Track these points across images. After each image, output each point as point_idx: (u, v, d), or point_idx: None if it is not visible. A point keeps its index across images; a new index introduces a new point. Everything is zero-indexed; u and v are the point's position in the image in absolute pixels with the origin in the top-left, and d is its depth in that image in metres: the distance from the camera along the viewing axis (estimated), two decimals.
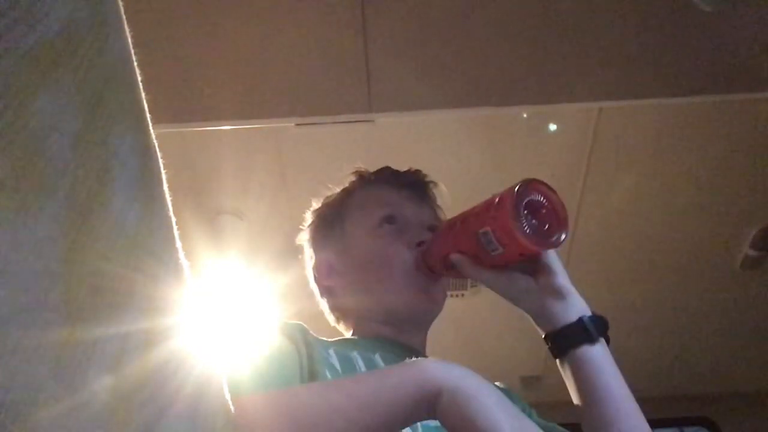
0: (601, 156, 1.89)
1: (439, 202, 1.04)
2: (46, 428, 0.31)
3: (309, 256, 1.04)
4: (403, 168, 1.06)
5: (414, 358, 0.66)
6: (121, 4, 0.38)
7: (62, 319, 0.32)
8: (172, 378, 0.42)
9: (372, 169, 1.08)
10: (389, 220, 0.94)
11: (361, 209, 0.98)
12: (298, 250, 1.11)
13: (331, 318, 1.02)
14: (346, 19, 1.44)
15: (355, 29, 1.45)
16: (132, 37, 0.39)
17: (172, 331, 0.42)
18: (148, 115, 0.39)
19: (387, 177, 1.02)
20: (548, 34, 1.48)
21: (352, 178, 1.05)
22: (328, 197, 1.06)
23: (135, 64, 0.38)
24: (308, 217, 1.07)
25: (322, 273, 0.99)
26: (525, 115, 1.75)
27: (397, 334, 0.91)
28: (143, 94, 0.39)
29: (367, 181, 1.03)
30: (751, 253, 2.14)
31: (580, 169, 1.94)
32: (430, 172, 1.07)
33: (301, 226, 1.08)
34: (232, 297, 2.15)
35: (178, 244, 0.43)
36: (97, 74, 0.34)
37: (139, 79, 0.39)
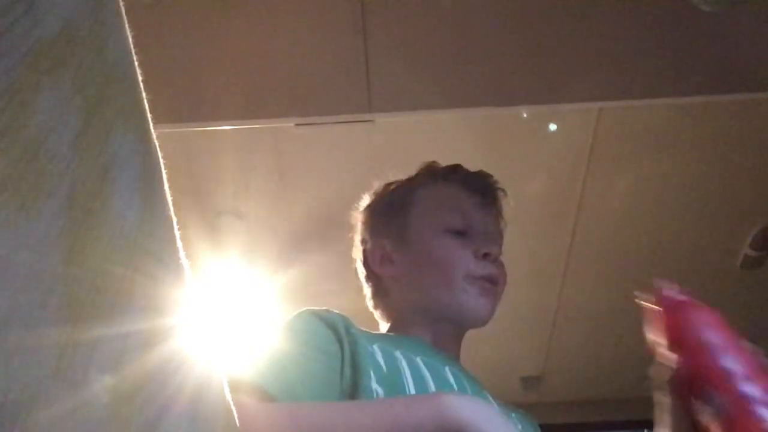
0: (601, 156, 1.89)
1: (503, 210, 1.01)
2: (46, 428, 0.31)
3: (361, 239, 1.01)
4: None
5: (442, 392, 0.65)
6: (121, 4, 0.38)
7: (62, 319, 0.32)
8: (172, 378, 0.42)
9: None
10: (459, 228, 0.92)
11: (431, 207, 0.96)
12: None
13: (370, 303, 1.00)
14: (346, 19, 1.44)
15: (355, 29, 1.45)
16: (132, 37, 0.39)
17: (172, 331, 0.42)
18: (148, 115, 0.39)
19: (460, 178, 0.99)
20: (548, 34, 1.48)
21: (423, 171, 1.02)
22: (390, 184, 1.03)
23: (135, 64, 0.38)
24: (366, 198, 1.03)
25: (374, 260, 0.97)
26: (525, 115, 1.75)
27: (436, 339, 0.90)
28: (144, 94, 0.39)
29: (438, 177, 1.00)
30: (751, 253, 2.14)
31: (580, 169, 1.94)
32: None
33: (354, 207, 1.04)
34: (232, 297, 2.15)
35: (179, 244, 0.43)
36: (97, 74, 0.34)
37: (140, 79, 0.39)
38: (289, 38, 1.47)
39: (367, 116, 1.56)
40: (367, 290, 1.00)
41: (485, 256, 0.90)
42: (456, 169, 1.01)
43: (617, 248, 2.16)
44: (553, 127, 1.82)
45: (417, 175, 1.02)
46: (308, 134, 1.76)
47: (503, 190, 1.01)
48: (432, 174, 1.01)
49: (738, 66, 1.49)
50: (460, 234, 0.92)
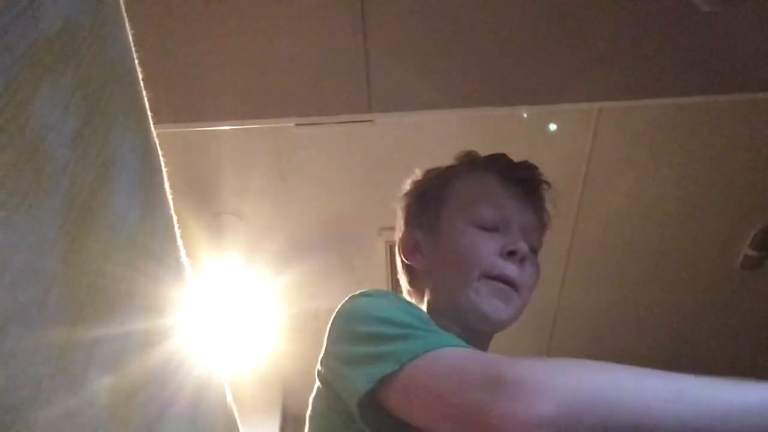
0: (601, 156, 1.89)
1: (547, 203, 0.96)
2: (46, 428, 0.31)
3: (399, 227, 0.98)
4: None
5: None
6: (122, 3, 0.38)
7: (62, 319, 0.32)
8: (172, 378, 0.42)
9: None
10: (491, 222, 0.88)
11: (464, 199, 0.91)
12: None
13: (406, 294, 0.97)
14: (346, 19, 1.44)
15: (355, 29, 1.45)
16: (132, 36, 0.39)
17: (172, 331, 0.42)
18: (148, 114, 0.39)
19: (499, 168, 0.93)
20: (548, 35, 1.48)
21: (462, 159, 0.97)
22: (430, 171, 0.99)
23: (135, 63, 0.38)
24: (406, 185, 1.00)
25: (406, 250, 0.94)
26: (525, 115, 1.75)
27: (467, 338, 0.86)
28: (144, 93, 0.39)
29: (476, 167, 0.95)
30: (751, 253, 2.14)
31: (580, 169, 1.94)
32: None
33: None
34: (232, 297, 2.14)
35: (179, 243, 0.43)
36: (97, 73, 0.33)
37: (140, 77, 0.39)
38: (289, 38, 1.47)
39: (367, 116, 1.55)
40: (403, 280, 0.97)
41: (510, 254, 0.85)
42: (497, 158, 0.96)
43: (617, 248, 2.16)
44: (553, 127, 1.82)
45: (456, 163, 0.97)
46: (308, 134, 1.75)
47: (547, 182, 0.96)
48: (470, 164, 0.96)
49: (738, 66, 1.48)
50: (492, 229, 0.87)
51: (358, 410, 0.65)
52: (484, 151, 0.99)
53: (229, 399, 0.55)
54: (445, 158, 1.03)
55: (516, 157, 0.97)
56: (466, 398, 0.58)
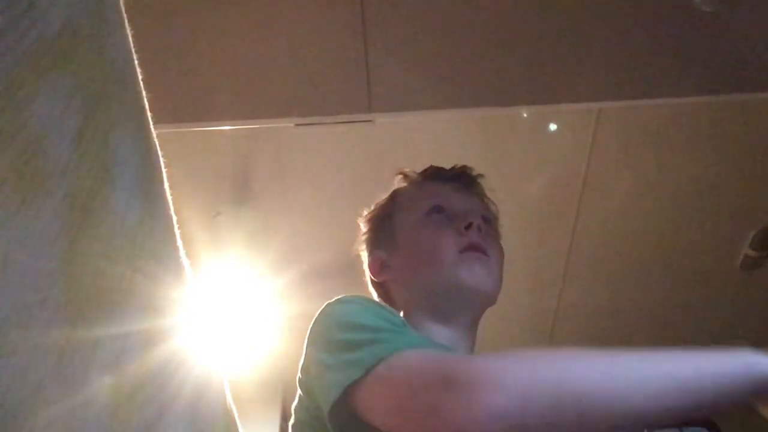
0: (601, 156, 1.89)
1: (488, 194, 1.03)
2: (46, 428, 0.31)
3: (364, 261, 1.04)
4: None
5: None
6: (122, 3, 0.38)
7: (62, 319, 0.32)
8: (172, 378, 0.42)
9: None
10: (437, 209, 0.94)
11: (410, 203, 0.99)
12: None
13: None
14: (346, 19, 1.44)
15: (355, 29, 1.45)
16: (132, 36, 0.39)
17: (172, 331, 0.42)
18: (148, 114, 0.39)
19: (433, 173, 1.02)
20: (548, 35, 1.48)
21: (399, 180, 1.05)
22: (378, 202, 1.06)
23: (135, 63, 0.38)
24: (361, 225, 1.06)
25: (374, 270, 0.99)
26: (525, 115, 1.75)
27: (449, 334, 0.89)
28: (144, 93, 0.39)
29: (413, 180, 1.04)
30: (751, 253, 2.14)
31: (580, 169, 1.94)
32: None
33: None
34: (232, 297, 2.14)
35: (179, 243, 0.43)
36: (97, 73, 0.33)
37: (140, 78, 0.39)
38: (289, 38, 1.47)
39: (367, 116, 1.56)
40: (375, 298, 1.02)
41: (468, 228, 0.90)
42: (429, 168, 1.04)
43: (617, 248, 2.16)
44: (553, 127, 1.82)
45: (397, 185, 1.05)
46: (308, 134, 1.76)
47: (481, 175, 1.02)
48: (407, 178, 1.04)
49: (738, 66, 1.48)
50: (441, 210, 0.93)
51: (329, 421, 0.66)
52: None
53: (229, 399, 0.55)
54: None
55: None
56: (423, 400, 0.60)
